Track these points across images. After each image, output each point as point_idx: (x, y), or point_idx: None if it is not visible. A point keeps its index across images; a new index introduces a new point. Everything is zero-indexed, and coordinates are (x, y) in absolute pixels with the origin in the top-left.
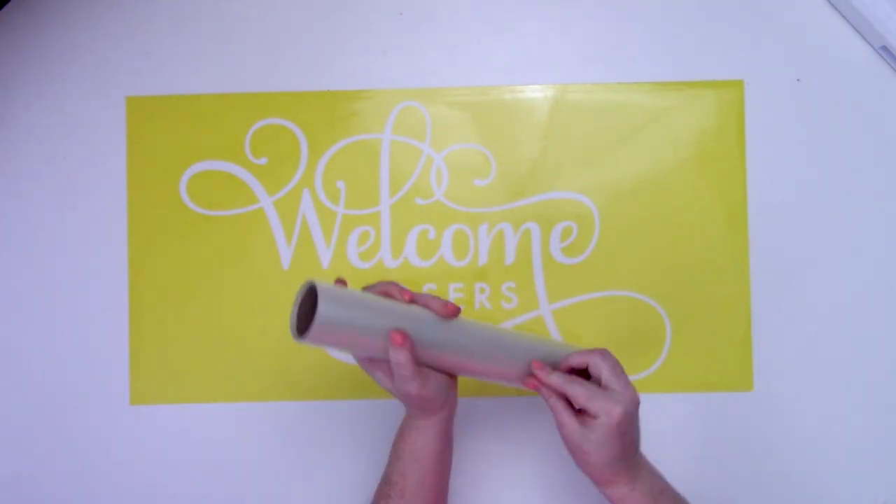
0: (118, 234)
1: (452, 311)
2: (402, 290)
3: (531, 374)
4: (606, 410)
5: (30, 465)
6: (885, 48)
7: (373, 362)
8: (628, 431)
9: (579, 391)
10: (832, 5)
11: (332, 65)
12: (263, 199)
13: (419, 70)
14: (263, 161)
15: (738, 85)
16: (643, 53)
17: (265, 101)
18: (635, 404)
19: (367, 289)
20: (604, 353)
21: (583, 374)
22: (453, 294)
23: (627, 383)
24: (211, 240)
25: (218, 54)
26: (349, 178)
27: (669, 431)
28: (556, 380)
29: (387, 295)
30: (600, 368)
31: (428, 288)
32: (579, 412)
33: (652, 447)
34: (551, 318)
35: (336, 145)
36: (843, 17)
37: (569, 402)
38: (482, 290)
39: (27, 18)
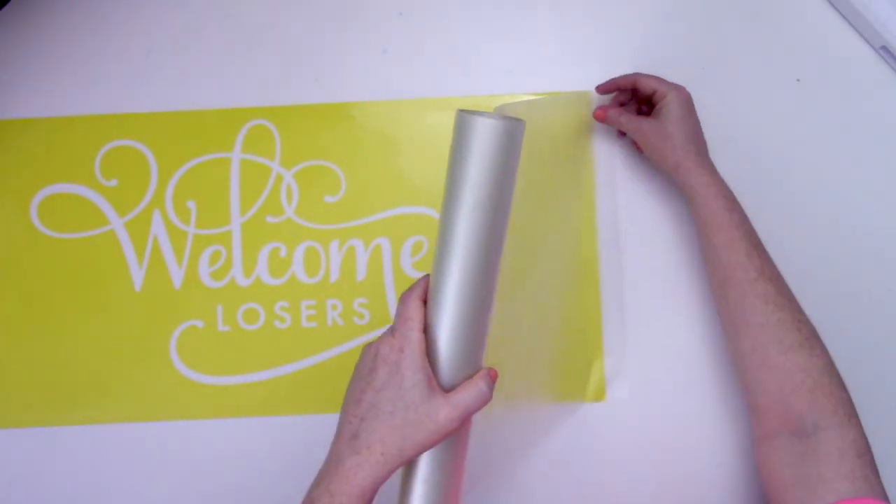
0: None
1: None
2: None
3: (598, 110)
4: (675, 87)
5: None
6: (885, 48)
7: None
8: (694, 112)
9: (648, 78)
10: (832, 5)
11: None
12: (114, 220)
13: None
14: (113, 183)
15: None
16: (642, 52)
17: (114, 123)
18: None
19: None
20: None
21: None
22: (305, 311)
23: None
24: (63, 263)
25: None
26: (199, 197)
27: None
28: (623, 86)
29: None
30: (648, 80)
31: (280, 306)
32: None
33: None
34: None
35: (185, 165)
36: (843, 17)
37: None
38: (334, 307)
39: None
